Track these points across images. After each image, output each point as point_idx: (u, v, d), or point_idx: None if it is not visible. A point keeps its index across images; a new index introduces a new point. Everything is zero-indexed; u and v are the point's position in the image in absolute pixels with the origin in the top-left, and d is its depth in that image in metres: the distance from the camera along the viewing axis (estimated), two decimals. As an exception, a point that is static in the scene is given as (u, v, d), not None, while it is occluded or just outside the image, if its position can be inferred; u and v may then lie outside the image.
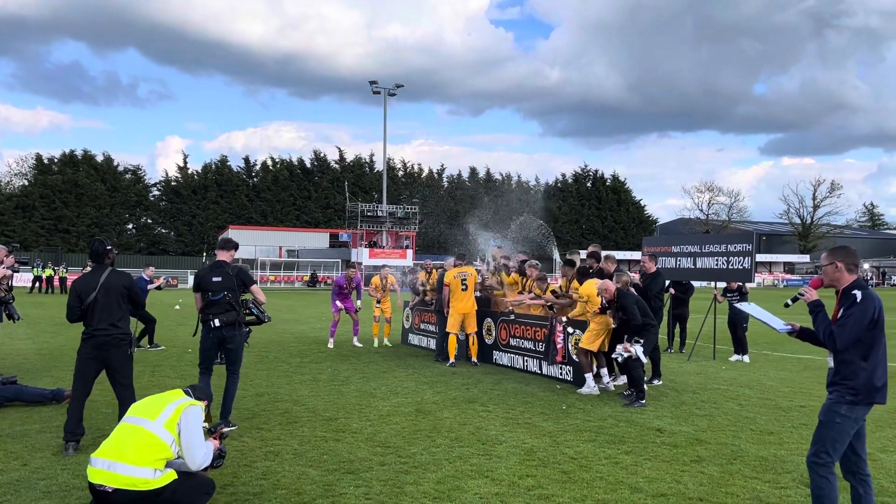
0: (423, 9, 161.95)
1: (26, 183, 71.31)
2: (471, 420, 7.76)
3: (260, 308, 7.41)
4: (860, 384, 4.28)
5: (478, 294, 12.39)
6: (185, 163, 79.31)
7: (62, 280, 38.61)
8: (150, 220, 77.62)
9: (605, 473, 5.87)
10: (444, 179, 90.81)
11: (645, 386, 8.83)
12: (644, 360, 8.80)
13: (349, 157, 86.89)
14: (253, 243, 66.97)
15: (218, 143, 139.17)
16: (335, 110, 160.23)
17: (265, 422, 7.61)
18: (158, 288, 14.33)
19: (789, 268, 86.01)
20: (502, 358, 11.81)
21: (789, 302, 4.85)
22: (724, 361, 12.90)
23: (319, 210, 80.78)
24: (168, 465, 4.39)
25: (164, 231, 77.21)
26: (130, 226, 76.82)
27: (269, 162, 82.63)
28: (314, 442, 6.78)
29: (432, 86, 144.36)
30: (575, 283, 10.58)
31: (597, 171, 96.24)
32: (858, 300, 4.27)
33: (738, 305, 5.58)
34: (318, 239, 71.28)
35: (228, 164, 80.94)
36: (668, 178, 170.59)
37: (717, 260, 13.14)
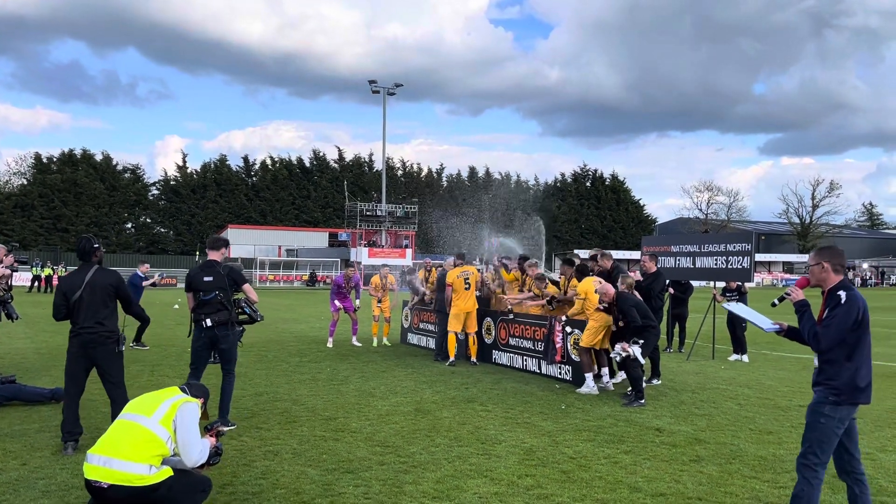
0: (422, 8, 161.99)
1: (25, 182, 71.22)
2: (470, 419, 7.76)
3: (252, 307, 7.36)
4: (843, 384, 4.29)
5: (477, 294, 12.39)
6: (185, 162, 79.28)
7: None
8: (148, 220, 77.56)
9: (604, 473, 5.87)
10: (444, 179, 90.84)
11: (643, 385, 8.83)
12: (642, 361, 8.80)
13: (348, 156, 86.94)
14: (252, 243, 66.98)
15: (217, 142, 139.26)
16: (334, 110, 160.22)
17: (264, 421, 7.61)
18: (153, 285, 14.31)
19: (788, 267, 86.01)
20: (501, 357, 11.81)
21: (776, 301, 4.87)
22: (723, 361, 12.90)
23: (318, 209, 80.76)
24: (164, 462, 4.39)
25: (162, 230, 77.15)
26: (129, 225, 76.75)
27: (269, 161, 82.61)
28: (313, 441, 6.78)
29: (432, 85, 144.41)
30: (574, 282, 10.59)
31: (596, 170, 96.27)
32: (843, 301, 4.27)
33: (725, 305, 5.57)
34: (317, 238, 71.27)
35: (227, 163, 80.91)
36: (668, 178, 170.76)
37: (716, 259, 13.14)
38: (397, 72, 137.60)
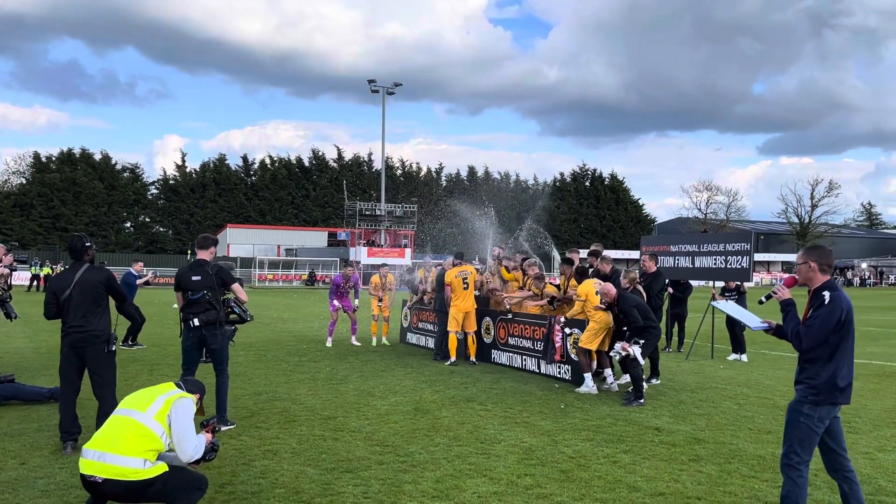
0: (421, 7, 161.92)
1: (24, 181, 71.22)
2: (469, 419, 7.76)
3: (242, 307, 7.31)
4: (822, 384, 4.31)
5: (477, 293, 12.39)
6: (184, 161, 79.32)
7: (60, 278, 38.47)
8: (147, 219, 77.58)
9: (603, 472, 5.88)
10: (443, 178, 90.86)
11: (644, 385, 8.82)
12: (641, 361, 8.81)
13: (347, 155, 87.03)
14: (251, 242, 67.03)
15: (216, 141, 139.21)
16: (333, 109, 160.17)
17: (263, 420, 7.60)
18: (147, 283, 14.32)
19: (787, 267, 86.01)
20: (501, 357, 11.81)
21: (763, 299, 4.90)
22: (722, 360, 12.91)
23: (318, 209, 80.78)
24: (160, 457, 4.40)
25: (161, 229, 77.17)
26: (128, 224, 76.77)
27: (268, 161, 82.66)
28: (312, 441, 6.78)
29: (431, 85, 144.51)
30: (573, 282, 10.59)
31: (595, 170, 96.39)
32: (826, 301, 4.28)
33: (714, 304, 5.59)
34: (316, 238, 71.31)
35: (227, 162, 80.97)
36: (667, 178, 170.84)
37: (715, 259, 13.14)
38: (396, 71, 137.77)
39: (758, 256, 79.47)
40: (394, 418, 7.76)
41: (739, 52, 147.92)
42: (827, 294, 4.30)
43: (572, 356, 9.97)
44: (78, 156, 73.01)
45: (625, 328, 9.16)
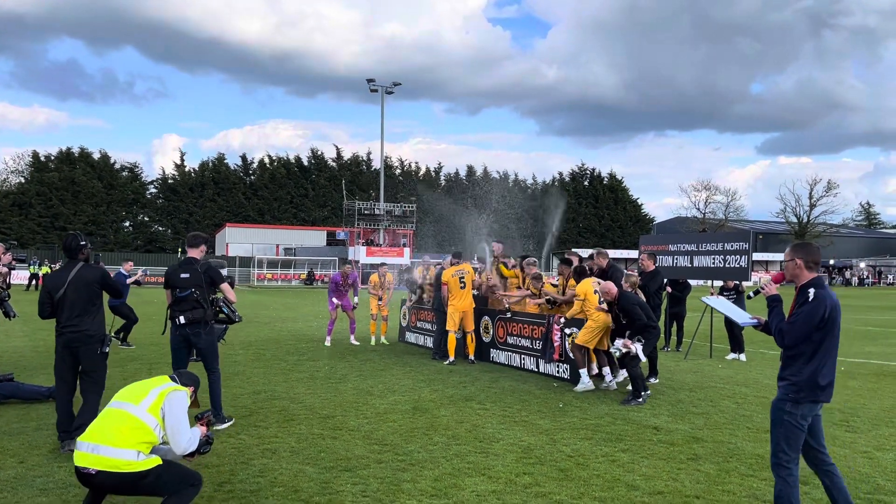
0: (420, 7, 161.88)
1: (23, 180, 71.15)
2: (468, 418, 7.77)
3: (230, 307, 7.28)
4: (803, 381, 4.33)
5: (476, 293, 12.39)
6: (183, 161, 79.21)
7: (58, 277, 38.43)
8: (146, 218, 77.50)
9: (602, 471, 5.88)
10: (442, 178, 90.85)
11: (644, 383, 8.83)
12: (643, 358, 8.81)
13: (346, 155, 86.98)
14: (250, 241, 67.02)
15: (215, 141, 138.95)
16: (333, 108, 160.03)
17: (262, 419, 7.60)
18: (137, 283, 14.38)
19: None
20: (499, 356, 11.81)
21: (751, 294, 4.92)
22: (720, 360, 12.92)
23: (317, 208, 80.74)
24: (154, 450, 4.41)
25: (160, 229, 77.10)
26: (127, 224, 76.70)
27: (267, 160, 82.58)
28: (311, 439, 6.78)
29: (430, 84, 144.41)
30: (572, 282, 10.59)
31: (594, 169, 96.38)
32: (810, 299, 4.30)
33: (704, 300, 5.57)
34: (315, 237, 71.26)
35: (225, 161, 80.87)
36: (666, 177, 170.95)
37: (713, 259, 13.15)
38: (395, 70, 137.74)
39: (756, 256, 79.53)
40: (392, 417, 7.76)
41: (738, 52, 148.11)
42: (812, 291, 4.32)
43: (571, 355, 9.97)
44: (77, 155, 72.92)
45: (623, 324, 9.16)
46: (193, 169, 79.04)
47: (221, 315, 7.28)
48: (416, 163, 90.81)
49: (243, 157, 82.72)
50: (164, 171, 78.91)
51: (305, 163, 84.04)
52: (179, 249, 63.51)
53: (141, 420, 4.34)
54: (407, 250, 58.01)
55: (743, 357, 12.99)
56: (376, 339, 14.65)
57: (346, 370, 11.01)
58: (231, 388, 9.29)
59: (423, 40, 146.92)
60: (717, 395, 9.42)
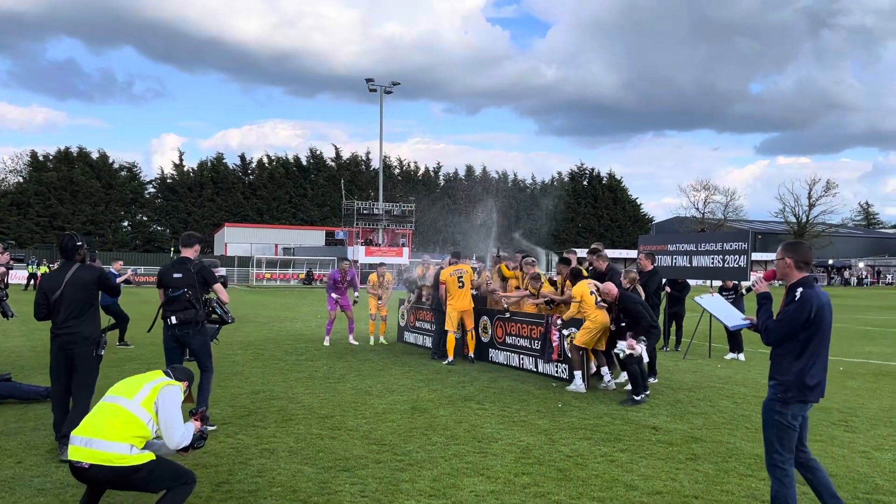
0: (419, 6, 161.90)
1: (21, 180, 71.10)
2: (466, 418, 7.76)
3: (223, 307, 7.23)
4: (790, 381, 4.33)
5: (475, 292, 12.37)
6: (181, 160, 79.24)
7: (57, 277, 38.40)
8: (145, 218, 77.49)
9: (600, 471, 5.88)
10: (441, 177, 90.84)
11: (644, 383, 8.81)
12: (647, 358, 8.81)
13: (345, 154, 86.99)
14: (249, 241, 66.99)
15: (214, 140, 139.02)
16: (331, 108, 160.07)
17: (260, 419, 7.59)
18: (127, 282, 14.39)
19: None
20: (498, 356, 11.81)
21: (744, 291, 4.96)
22: (719, 360, 12.92)
23: (315, 208, 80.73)
24: (147, 445, 4.40)
25: (159, 228, 77.07)
26: (126, 223, 76.66)
27: (265, 160, 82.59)
28: (310, 439, 6.77)
29: (429, 84, 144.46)
30: (569, 283, 10.57)
31: (593, 169, 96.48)
32: (796, 298, 4.31)
33: (696, 300, 5.56)
34: (314, 237, 71.25)
35: (224, 161, 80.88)
36: (665, 177, 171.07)
37: (712, 258, 13.15)
38: (394, 70, 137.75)
39: (755, 256, 79.52)
40: (391, 417, 7.76)
41: (737, 52, 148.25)
42: (799, 291, 4.33)
43: (570, 355, 9.96)
44: (75, 155, 72.90)
45: (623, 325, 9.15)
46: (192, 169, 79.07)
47: (214, 316, 7.22)
48: (415, 162, 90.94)
49: (242, 157, 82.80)
50: (162, 171, 79.01)
51: (304, 162, 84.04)
52: (172, 248, 63.52)
53: (134, 414, 4.34)
54: (406, 250, 58.00)
55: (742, 357, 12.99)
56: (375, 338, 14.64)
57: (344, 370, 11.00)
58: (229, 388, 9.28)
59: (422, 40, 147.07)
60: (715, 395, 9.42)
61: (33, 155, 72.00)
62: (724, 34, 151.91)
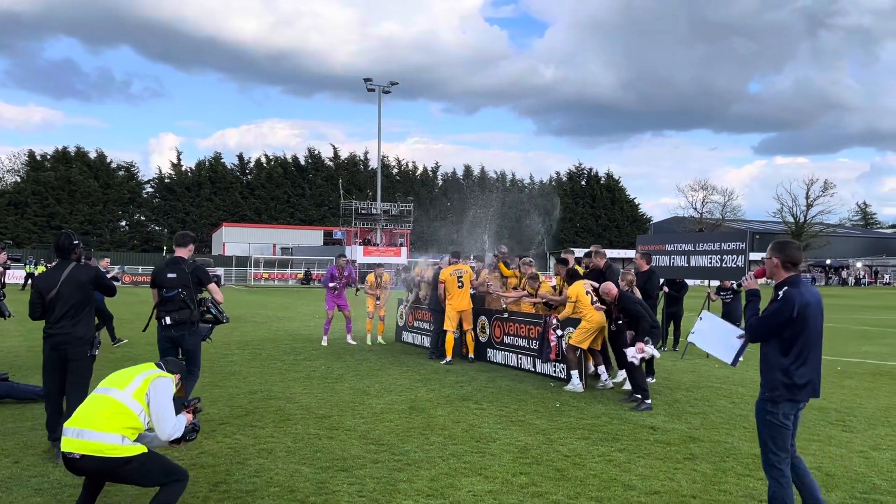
0: (417, 6, 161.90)
1: (19, 179, 70.96)
2: (464, 418, 7.76)
3: (218, 307, 7.20)
4: (778, 380, 4.34)
5: (473, 292, 12.37)
6: (179, 160, 79.15)
7: (54, 277, 38.36)
8: (143, 218, 77.39)
9: (598, 471, 5.88)
10: (439, 177, 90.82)
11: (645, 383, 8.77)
12: (657, 355, 8.82)
13: (343, 154, 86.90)
14: (247, 241, 66.91)
15: (212, 140, 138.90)
16: (329, 108, 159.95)
17: (258, 419, 7.59)
18: (115, 279, 14.34)
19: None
20: (496, 356, 11.80)
21: (735, 286, 4.98)
22: (717, 360, 12.90)
23: (314, 207, 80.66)
24: (139, 437, 4.41)
25: (157, 228, 76.97)
26: (123, 223, 76.56)
27: (263, 159, 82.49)
28: (307, 439, 6.76)
29: (427, 83, 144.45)
30: (565, 283, 10.56)
31: (591, 169, 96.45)
32: (779, 298, 4.34)
33: (689, 338, 5.49)
34: (312, 236, 71.20)
35: (222, 161, 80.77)
36: (662, 177, 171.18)
37: (710, 258, 13.15)
38: (392, 70, 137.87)
39: (753, 256, 79.55)
40: (389, 417, 7.75)
41: (735, 52, 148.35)
42: (783, 290, 4.35)
43: (566, 355, 9.96)
44: (73, 154, 72.77)
45: (620, 323, 9.14)
46: (190, 168, 78.96)
47: (209, 315, 7.20)
48: (414, 162, 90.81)
49: (240, 157, 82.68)
50: (160, 171, 78.87)
51: (302, 162, 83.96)
52: (165, 248, 63.42)
53: (125, 405, 4.35)
54: (404, 250, 58.01)
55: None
56: (372, 338, 14.63)
57: (342, 370, 10.99)
58: (227, 388, 9.28)
59: (420, 40, 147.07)
60: (713, 394, 9.42)
61: (31, 154, 71.89)
62: (722, 34, 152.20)
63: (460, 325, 12.06)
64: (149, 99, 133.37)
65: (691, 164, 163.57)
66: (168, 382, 4.62)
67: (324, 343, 14.16)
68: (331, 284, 14.25)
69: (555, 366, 10.34)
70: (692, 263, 13.53)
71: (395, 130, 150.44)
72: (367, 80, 57.83)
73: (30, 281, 37.81)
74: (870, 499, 5.35)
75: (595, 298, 9.54)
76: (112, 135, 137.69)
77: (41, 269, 38.35)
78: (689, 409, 8.42)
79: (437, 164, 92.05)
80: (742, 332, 4.75)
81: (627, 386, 9.54)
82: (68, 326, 6.14)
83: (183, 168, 78.61)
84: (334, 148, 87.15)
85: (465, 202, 73.16)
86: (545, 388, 9.59)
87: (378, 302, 14.60)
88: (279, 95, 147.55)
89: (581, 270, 10.84)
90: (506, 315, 11.61)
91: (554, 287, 11.42)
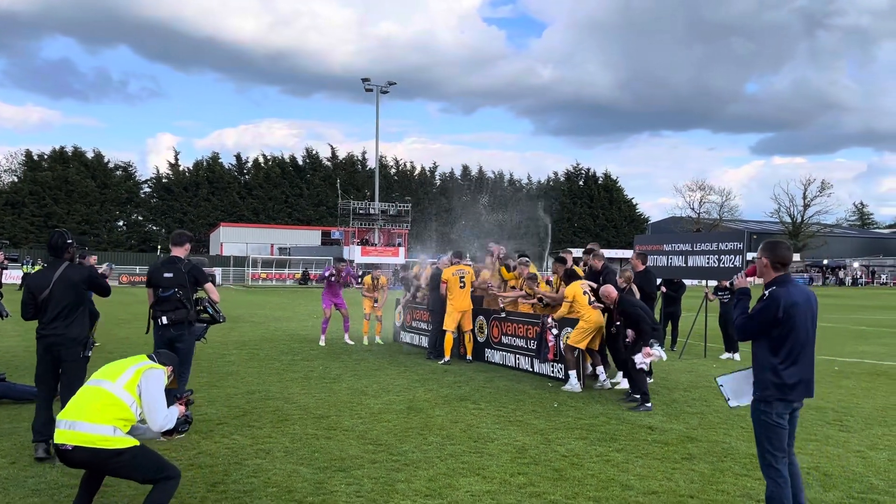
0: (415, 6, 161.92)
1: (16, 179, 70.81)
2: (462, 418, 7.76)
3: (214, 307, 7.17)
4: (768, 380, 4.35)
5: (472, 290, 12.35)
6: (177, 160, 79.05)
7: (52, 277, 38.32)
8: (140, 217, 77.28)
9: (596, 471, 5.88)
10: (437, 177, 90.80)
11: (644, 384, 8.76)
12: (665, 357, 8.84)
13: (341, 154, 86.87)
14: (244, 241, 66.84)
15: (209, 140, 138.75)
16: (327, 108, 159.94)
17: (256, 419, 7.58)
18: (103, 276, 14.27)
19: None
20: (494, 356, 11.80)
21: (728, 284, 4.99)
22: (714, 359, 12.94)
23: (311, 208, 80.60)
24: (132, 430, 4.41)
25: (154, 228, 76.86)
26: (121, 223, 76.44)
27: (261, 159, 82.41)
28: (305, 440, 6.76)
29: (425, 83, 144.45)
30: (563, 283, 10.56)
31: (589, 169, 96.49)
32: (764, 298, 4.36)
33: (720, 381, 4.95)
34: (309, 236, 71.14)
35: (220, 161, 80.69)
36: (660, 177, 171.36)
37: (708, 258, 13.17)
38: (390, 70, 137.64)
39: (750, 255, 79.46)
40: (387, 417, 7.75)
41: (732, 52, 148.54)
42: (769, 290, 4.38)
43: (564, 355, 9.96)
44: (70, 154, 72.64)
45: (616, 328, 9.15)
46: (188, 168, 78.86)
47: (205, 315, 7.17)
48: (412, 162, 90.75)
49: (238, 157, 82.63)
50: (158, 171, 78.76)
51: (300, 162, 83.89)
52: (158, 247, 63.29)
53: (117, 396, 4.36)
54: (402, 250, 57.98)
55: (737, 357, 13.01)
56: (369, 338, 14.62)
57: (340, 370, 10.98)
58: (225, 388, 9.27)
59: (417, 40, 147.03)
60: (711, 394, 9.42)
61: (28, 154, 71.77)
62: (720, 34, 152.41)
63: (459, 326, 12.05)
64: (146, 99, 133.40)
65: (689, 164, 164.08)
66: (160, 374, 4.63)
67: (321, 343, 14.15)
68: (327, 273, 14.22)
69: (553, 366, 10.34)
70: (690, 263, 13.55)
71: (392, 130, 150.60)
72: (365, 80, 57.83)
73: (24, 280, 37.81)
74: (867, 498, 5.36)
75: (593, 298, 9.54)
76: (109, 135, 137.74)
77: (38, 268, 38.30)
78: (687, 409, 8.42)
79: (434, 164, 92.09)
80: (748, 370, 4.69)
81: (624, 385, 9.56)
82: (61, 327, 6.06)
83: (180, 168, 78.52)
84: (332, 148, 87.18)
85: (463, 202, 73.20)
86: (543, 389, 9.60)
87: (376, 304, 14.60)
88: (277, 95, 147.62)
89: (580, 271, 10.85)
90: (503, 315, 11.61)
91: (550, 283, 11.40)
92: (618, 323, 9.13)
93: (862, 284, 76.15)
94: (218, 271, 51.87)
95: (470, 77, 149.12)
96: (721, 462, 6.22)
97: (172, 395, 4.87)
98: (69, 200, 69.59)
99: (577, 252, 13.22)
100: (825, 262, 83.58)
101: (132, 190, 75.73)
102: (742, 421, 7.82)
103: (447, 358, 11.81)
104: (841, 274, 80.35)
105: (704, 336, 13.77)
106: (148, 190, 77.94)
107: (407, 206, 63.70)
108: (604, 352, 10.03)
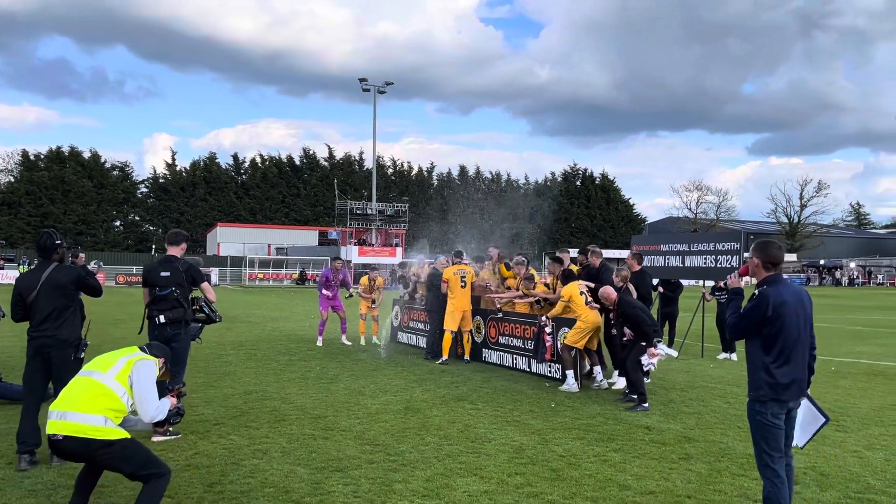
0: (412, 6, 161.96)
1: (12, 179, 70.66)
2: (460, 418, 7.75)
3: (211, 306, 7.15)
4: (761, 379, 4.37)
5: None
6: (174, 160, 78.93)
7: (48, 277, 38.32)
8: (137, 218, 77.14)
9: (593, 471, 5.88)
10: (434, 177, 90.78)
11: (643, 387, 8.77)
12: (675, 354, 8.80)
13: (338, 154, 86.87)
14: (241, 241, 66.78)
15: (206, 140, 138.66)
16: (325, 108, 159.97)
17: (253, 420, 7.57)
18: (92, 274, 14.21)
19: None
20: (491, 356, 11.80)
21: (722, 284, 5.02)
22: (711, 359, 12.95)
23: (308, 208, 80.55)
24: (123, 421, 4.41)
25: (151, 228, 76.72)
26: (118, 223, 76.30)
27: (258, 159, 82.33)
28: (302, 440, 6.75)
29: (422, 84, 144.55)
30: (560, 283, 10.56)
31: (586, 169, 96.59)
32: (754, 297, 4.38)
33: (799, 444, 4.72)
34: (307, 237, 71.11)
35: (217, 161, 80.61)
36: (657, 178, 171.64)
37: (705, 258, 13.18)
38: (388, 70, 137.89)
39: (747, 256, 79.53)
40: (384, 417, 7.74)
41: (729, 53, 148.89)
42: (759, 290, 4.40)
43: (561, 355, 9.96)
44: (67, 154, 72.48)
45: (614, 329, 9.16)
46: (184, 168, 78.74)
47: (201, 315, 7.14)
48: (409, 162, 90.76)
49: (235, 157, 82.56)
50: (154, 171, 78.64)
51: (297, 162, 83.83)
52: (153, 247, 63.18)
53: (108, 387, 4.36)
54: (399, 250, 57.97)
55: (734, 357, 13.02)
56: (367, 339, 14.62)
57: (337, 370, 10.98)
58: (222, 389, 9.25)
59: (415, 40, 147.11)
60: (708, 394, 9.44)
61: (24, 154, 71.60)
62: (717, 35, 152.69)
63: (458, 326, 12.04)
64: (143, 98, 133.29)
65: (686, 164, 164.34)
66: (151, 365, 4.63)
67: (319, 343, 14.14)
68: (325, 292, 14.23)
69: (550, 366, 10.34)
70: (687, 264, 13.56)
71: (390, 130, 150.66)
72: (362, 80, 57.78)
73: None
74: (864, 498, 5.36)
75: (590, 298, 9.54)
76: (106, 134, 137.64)
77: (25, 270, 38.28)
78: (684, 410, 8.43)
79: (432, 164, 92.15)
80: (824, 419, 4.57)
81: (620, 385, 9.56)
82: (51, 329, 5.98)
83: (177, 168, 78.40)
84: (329, 148, 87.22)
85: (459, 202, 73.20)
86: (540, 389, 9.60)
87: (372, 305, 14.59)
88: (274, 95, 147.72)
89: (576, 270, 10.85)
90: (500, 315, 11.61)
91: (547, 285, 11.41)
92: (616, 323, 9.13)
93: (858, 285, 76.30)
94: (215, 271, 51.84)
95: (467, 77, 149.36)
96: (718, 462, 6.22)
97: (164, 387, 4.86)
98: (66, 200, 69.44)
99: (574, 252, 13.19)
100: (822, 262, 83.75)
101: (129, 190, 75.60)
102: (739, 421, 7.83)
103: (445, 357, 11.80)
104: (837, 274, 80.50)
105: (702, 336, 13.79)
106: (145, 190, 77.83)
107: (404, 207, 63.66)
108: (601, 352, 10.04)
